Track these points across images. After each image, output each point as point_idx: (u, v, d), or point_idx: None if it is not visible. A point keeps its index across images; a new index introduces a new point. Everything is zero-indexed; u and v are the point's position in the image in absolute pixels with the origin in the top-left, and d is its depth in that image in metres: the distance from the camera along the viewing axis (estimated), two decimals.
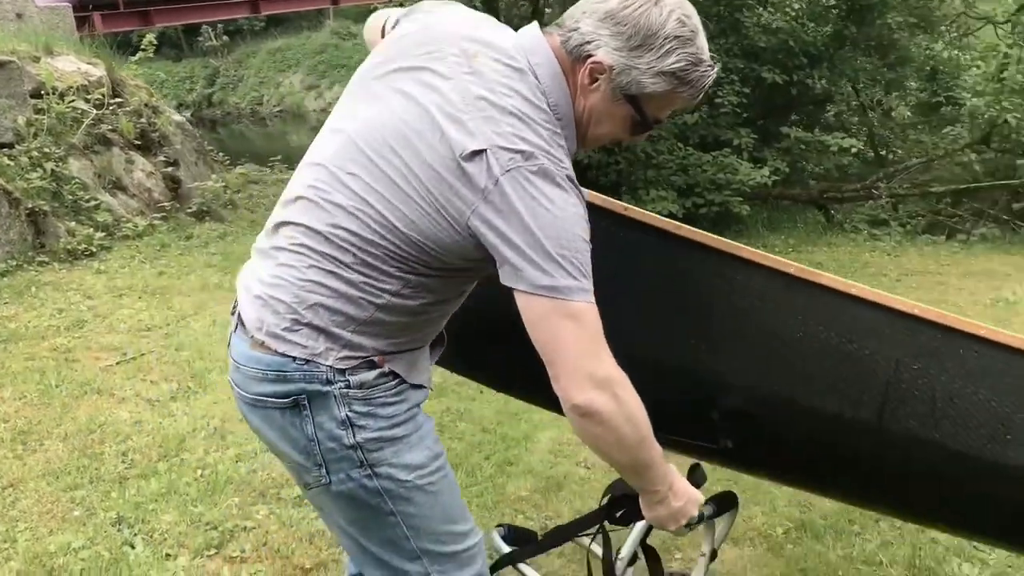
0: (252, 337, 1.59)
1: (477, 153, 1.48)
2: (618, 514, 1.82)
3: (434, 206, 1.52)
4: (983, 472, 1.75)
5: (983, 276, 7.48)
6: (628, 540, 1.93)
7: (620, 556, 1.95)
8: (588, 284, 1.52)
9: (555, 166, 1.49)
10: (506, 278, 1.52)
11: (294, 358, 1.56)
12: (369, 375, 1.58)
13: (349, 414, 1.58)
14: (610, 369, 1.60)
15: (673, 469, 1.77)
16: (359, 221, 1.56)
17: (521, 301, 1.53)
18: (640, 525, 1.90)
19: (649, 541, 1.93)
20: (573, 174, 1.54)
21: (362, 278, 1.56)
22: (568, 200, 1.50)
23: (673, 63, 1.58)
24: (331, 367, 1.57)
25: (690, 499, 1.79)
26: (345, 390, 1.58)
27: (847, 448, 1.83)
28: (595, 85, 1.60)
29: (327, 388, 1.57)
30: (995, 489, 1.77)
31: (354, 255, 1.55)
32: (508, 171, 1.47)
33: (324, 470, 1.62)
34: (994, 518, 1.85)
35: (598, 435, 1.66)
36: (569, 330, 1.54)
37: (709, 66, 1.61)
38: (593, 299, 1.54)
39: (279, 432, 1.62)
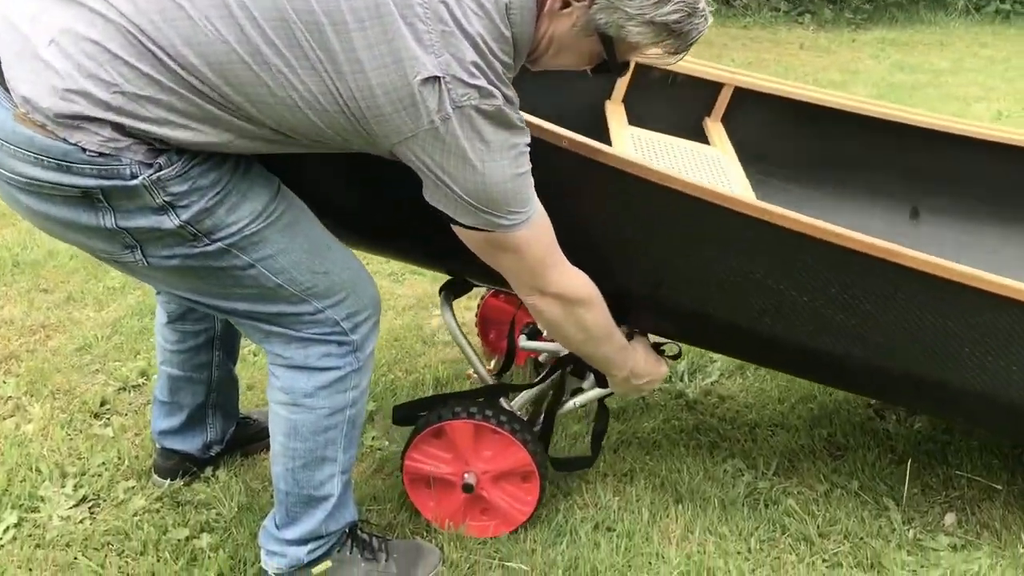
0: (18, 109, 1.35)
1: (430, 80, 1.37)
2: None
3: (343, 111, 1.40)
4: (750, 338, 1.86)
5: None
6: (588, 393, 2.14)
7: (575, 400, 2.13)
8: (528, 210, 1.52)
9: (507, 105, 1.44)
10: (435, 200, 1.51)
11: (84, 149, 1.35)
12: (182, 155, 1.41)
13: (167, 199, 1.41)
14: (560, 286, 1.67)
15: (637, 350, 1.91)
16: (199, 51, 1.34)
17: (457, 228, 1.55)
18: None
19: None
20: (517, 104, 1.48)
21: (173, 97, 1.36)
22: (513, 140, 1.46)
23: (667, 13, 1.46)
24: (133, 160, 1.37)
25: (652, 377, 1.94)
26: (155, 176, 1.39)
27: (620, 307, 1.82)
28: (567, 10, 1.50)
29: (133, 182, 1.38)
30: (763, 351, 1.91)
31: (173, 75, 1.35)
32: (460, 107, 1.39)
33: (140, 252, 1.48)
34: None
35: (550, 329, 1.81)
36: (511, 260, 1.60)
37: (703, 17, 1.51)
38: (536, 215, 1.54)
39: (63, 221, 1.44)
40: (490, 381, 2.15)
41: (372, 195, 1.76)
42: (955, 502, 2.25)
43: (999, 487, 2.28)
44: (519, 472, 1.99)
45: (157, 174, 1.39)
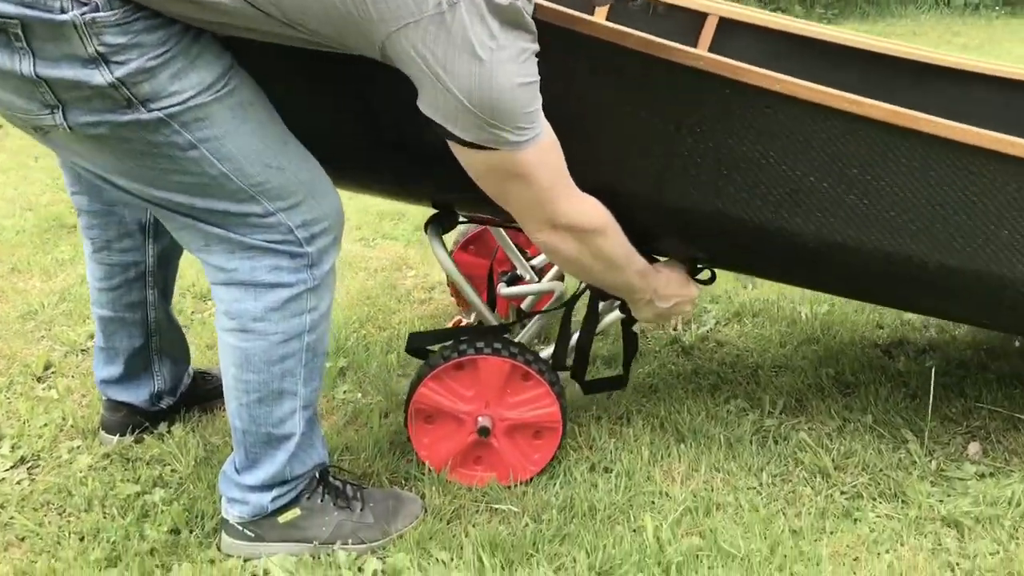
0: None
1: None
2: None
3: None
4: (772, 240, 1.66)
5: None
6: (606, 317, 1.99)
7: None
8: (535, 127, 1.37)
9: (522, 1, 1.31)
10: (434, 109, 1.33)
11: None
12: (127, 3, 1.22)
13: (100, 49, 1.22)
14: (572, 216, 1.52)
15: (660, 271, 1.75)
16: None
17: (456, 148, 1.38)
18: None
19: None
20: (532, 7, 1.35)
21: None
22: (523, 43, 1.32)
23: None
24: None
25: (681, 299, 1.76)
26: (89, 16, 1.19)
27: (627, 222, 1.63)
28: None
29: (61, 17, 1.18)
30: (786, 254, 1.70)
31: None
32: None
33: (61, 114, 1.27)
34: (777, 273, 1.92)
35: (566, 265, 1.65)
36: (518, 189, 1.44)
37: None
38: (544, 136, 1.39)
39: None
40: (483, 308, 1.95)
41: (350, 108, 1.58)
42: (978, 432, 2.08)
43: None
44: (542, 426, 1.81)
45: (93, 14, 1.19)
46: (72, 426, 2.01)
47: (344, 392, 2.18)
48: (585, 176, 1.52)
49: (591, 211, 1.54)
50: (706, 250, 1.81)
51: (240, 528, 1.62)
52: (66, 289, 2.70)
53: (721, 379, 2.29)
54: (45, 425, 2.02)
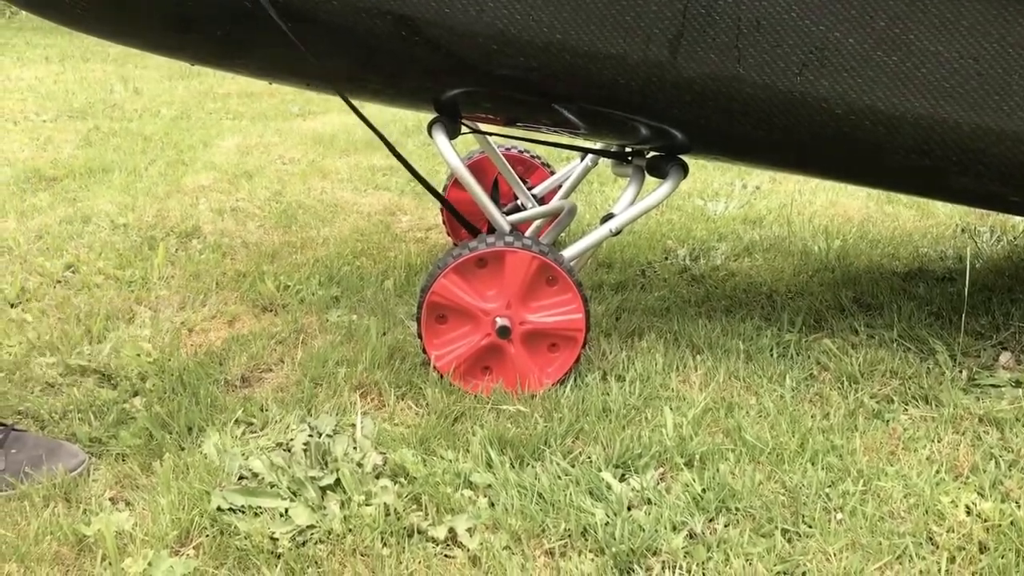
0: None
1: None
2: None
3: None
4: (792, 108, 1.54)
5: None
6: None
7: (610, 226, 1.81)
8: None
9: None
10: None
11: None
12: None
13: None
14: None
15: None
16: None
17: None
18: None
19: None
20: None
21: None
22: None
23: None
24: None
25: None
26: None
27: (634, 96, 1.55)
28: None
29: None
30: (806, 126, 1.58)
31: None
32: None
33: None
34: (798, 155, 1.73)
35: None
36: None
37: None
38: None
39: None
40: (495, 212, 1.82)
41: None
42: (1009, 342, 1.97)
43: None
44: (563, 334, 1.69)
45: None
46: (46, 342, 1.88)
47: (337, 316, 2.05)
48: (594, 44, 1.41)
49: None
50: (719, 131, 1.70)
51: None
52: (43, 228, 2.57)
53: (735, 302, 2.17)
54: (19, 343, 1.88)
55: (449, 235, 2.55)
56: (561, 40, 1.52)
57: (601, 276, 2.32)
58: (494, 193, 2.16)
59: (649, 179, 1.91)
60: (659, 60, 1.53)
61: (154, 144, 3.76)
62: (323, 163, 3.52)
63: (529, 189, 2.41)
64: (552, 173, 2.53)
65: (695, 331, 1.97)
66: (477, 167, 2.43)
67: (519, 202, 2.38)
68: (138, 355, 1.81)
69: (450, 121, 1.82)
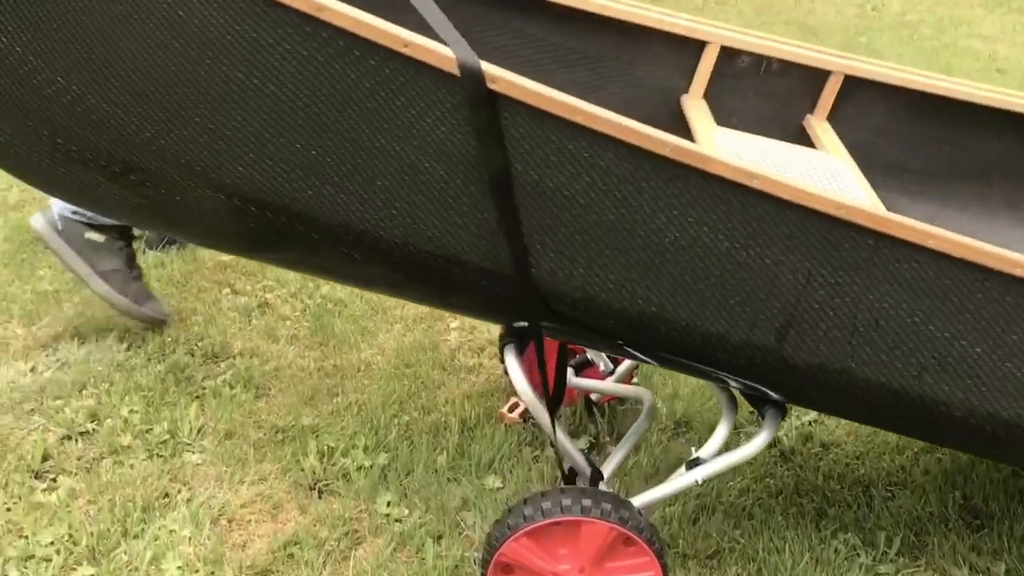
0: None
1: None
2: None
3: None
4: (905, 405, 1.41)
5: None
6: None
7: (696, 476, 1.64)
8: None
9: None
10: None
11: None
12: None
13: None
14: None
15: None
16: None
17: None
18: None
19: None
20: None
21: None
22: None
23: None
24: None
25: None
26: None
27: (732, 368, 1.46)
28: None
29: None
30: (921, 421, 1.45)
31: None
32: None
33: None
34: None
35: None
36: None
37: None
38: None
39: None
40: (575, 454, 1.70)
41: None
42: None
43: None
44: None
45: None
46: (84, 549, 1.80)
47: (387, 506, 1.93)
48: (703, 321, 1.27)
49: None
50: (821, 404, 1.54)
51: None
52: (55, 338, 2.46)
53: (827, 500, 1.99)
54: (51, 543, 1.80)
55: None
56: (656, 313, 1.38)
57: (678, 446, 2.16)
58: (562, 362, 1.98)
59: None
60: (764, 344, 1.37)
61: None
62: None
63: None
64: None
65: (781, 559, 1.80)
66: None
67: (589, 355, 2.22)
68: (180, 568, 1.74)
69: (521, 343, 1.69)
